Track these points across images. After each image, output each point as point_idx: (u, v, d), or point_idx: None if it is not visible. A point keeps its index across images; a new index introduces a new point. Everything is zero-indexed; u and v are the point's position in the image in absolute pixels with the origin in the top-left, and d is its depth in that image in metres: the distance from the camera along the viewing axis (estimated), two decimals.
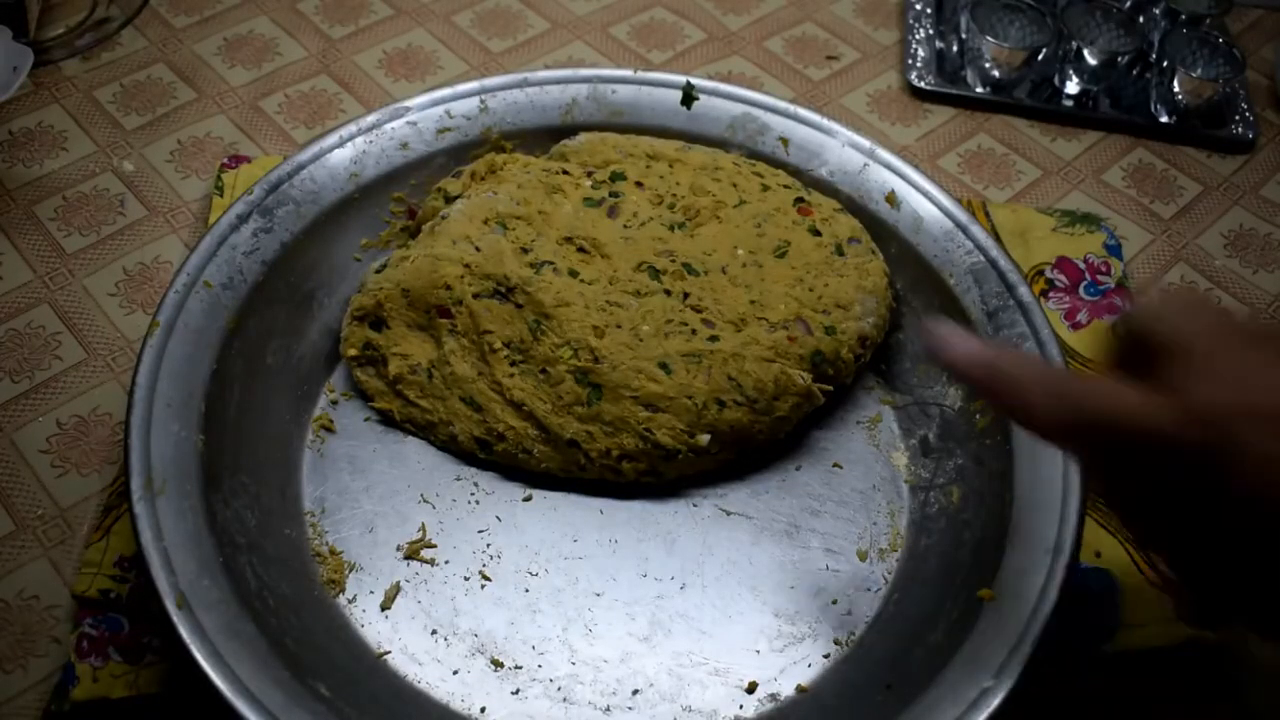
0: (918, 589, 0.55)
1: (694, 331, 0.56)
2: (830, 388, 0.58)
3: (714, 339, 0.56)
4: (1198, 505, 0.36)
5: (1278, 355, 0.35)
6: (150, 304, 0.67)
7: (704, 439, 0.56)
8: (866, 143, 0.66)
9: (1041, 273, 0.69)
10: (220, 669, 0.45)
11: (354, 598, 0.54)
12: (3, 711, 0.51)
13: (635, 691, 0.52)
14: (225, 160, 0.73)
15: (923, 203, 0.64)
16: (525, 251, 0.59)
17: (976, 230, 0.62)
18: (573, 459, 0.57)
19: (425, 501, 0.58)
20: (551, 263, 0.58)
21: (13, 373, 0.63)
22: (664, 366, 0.55)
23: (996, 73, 0.83)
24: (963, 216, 0.62)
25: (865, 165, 0.66)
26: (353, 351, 0.60)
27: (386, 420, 0.61)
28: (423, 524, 0.57)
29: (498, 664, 0.52)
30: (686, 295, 0.58)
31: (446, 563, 0.56)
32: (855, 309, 0.59)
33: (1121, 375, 0.38)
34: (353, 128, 0.65)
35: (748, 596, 0.55)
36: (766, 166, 0.65)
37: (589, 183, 0.63)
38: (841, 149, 0.66)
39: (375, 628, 0.53)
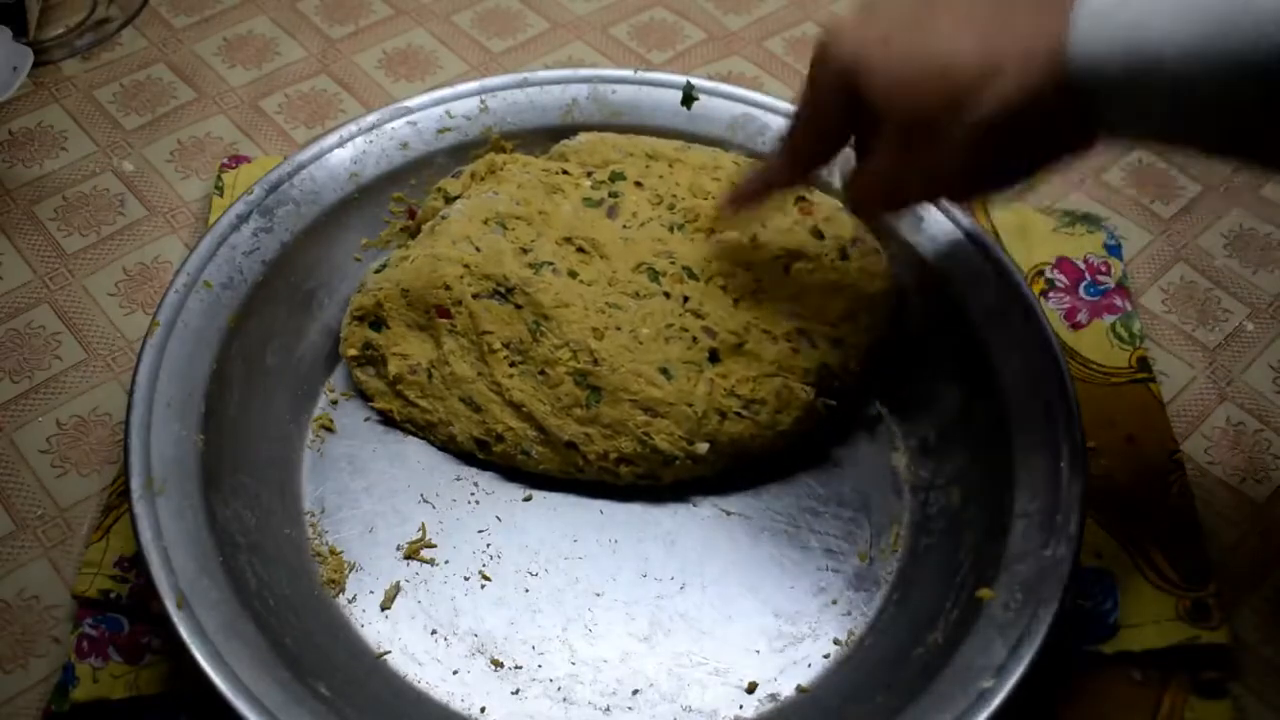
0: (918, 589, 0.55)
1: (695, 339, 0.56)
2: (834, 402, 0.58)
3: (715, 350, 0.56)
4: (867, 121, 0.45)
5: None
6: (150, 304, 0.67)
7: (703, 448, 0.55)
8: None
9: (1041, 273, 0.69)
10: (220, 669, 0.45)
11: (354, 598, 0.54)
12: (3, 711, 0.51)
13: (635, 691, 0.52)
14: (225, 160, 0.73)
15: None
16: (525, 252, 0.59)
17: (977, 230, 0.62)
18: (571, 461, 0.57)
19: (425, 501, 0.58)
20: (551, 263, 0.58)
21: (13, 373, 0.63)
22: (665, 372, 0.55)
23: None
24: (963, 216, 0.62)
25: None
26: (352, 351, 0.60)
27: (386, 420, 0.61)
28: (423, 524, 0.57)
29: (498, 664, 0.52)
30: (686, 299, 0.57)
31: (446, 563, 0.56)
32: (862, 319, 0.59)
33: None
34: (353, 128, 0.65)
35: (748, 596, 0.55)
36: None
37: (588, 182, 0.63)
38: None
39: (375, 628, 0.53)
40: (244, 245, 0.59)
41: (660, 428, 0.55)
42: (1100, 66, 0.37)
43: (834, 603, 0.55)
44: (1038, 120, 0.40)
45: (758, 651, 0.53)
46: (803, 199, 0.63)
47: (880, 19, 0.43)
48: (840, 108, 0.45)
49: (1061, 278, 0.69)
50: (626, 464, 0.56)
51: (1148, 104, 0.37)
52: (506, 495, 0.58)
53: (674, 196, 0.62)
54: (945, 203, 0.62)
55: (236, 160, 0.73)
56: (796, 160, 0.52)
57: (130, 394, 0.52)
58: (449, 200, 0.63)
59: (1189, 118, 0.37)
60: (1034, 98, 0.39)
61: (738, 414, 0.55)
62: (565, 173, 0.63)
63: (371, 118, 0.65)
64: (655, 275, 0.58)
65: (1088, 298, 0.68)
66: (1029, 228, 0.71)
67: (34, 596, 0.55)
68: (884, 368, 0.62)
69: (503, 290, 0.57)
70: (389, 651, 0.53)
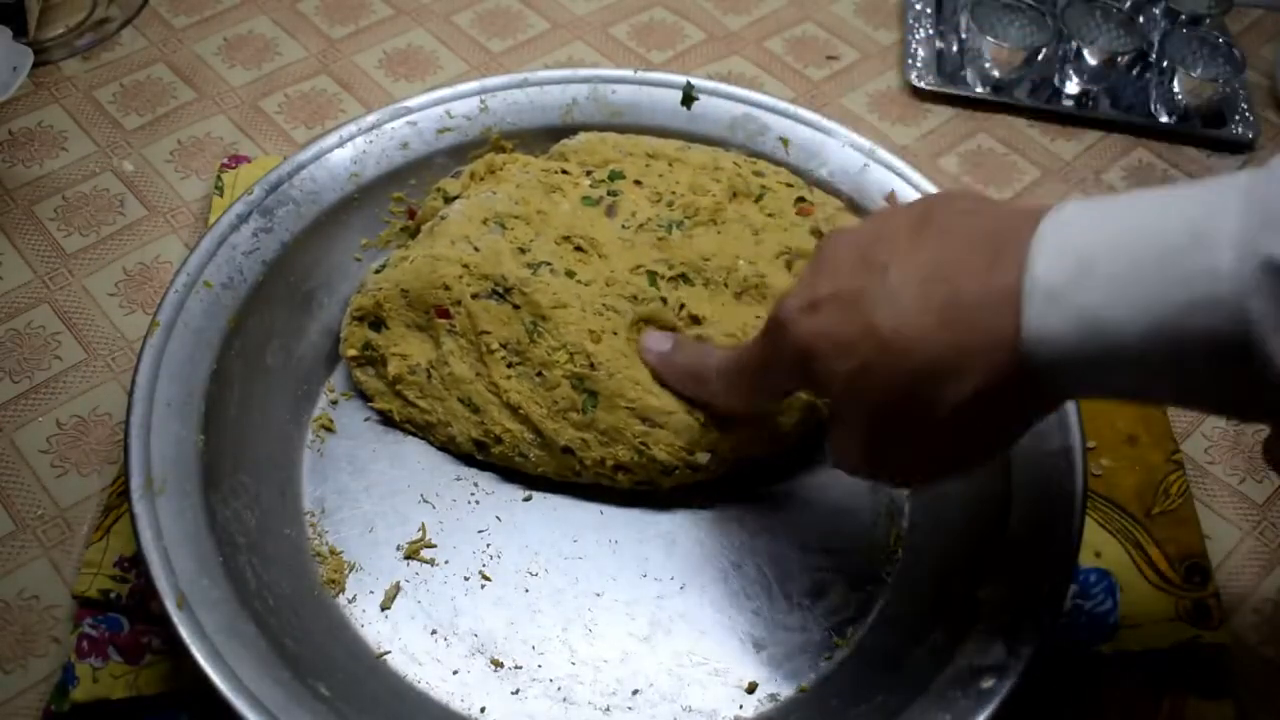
0: (918, 589, 0.55)
1: None
2: None
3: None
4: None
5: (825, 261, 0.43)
6: (150, 304, 0.67)
7: (703, 458, 0.55)
8: (866, 143, 0.66)
9: None
10: (220, 669, 0.45)
11: (354, 598, 0.54)
12: (3, 711, 0.51)
13: (635, 691, 0.52)
14: (225, 160, 0.73)
15: None
16: (523, 252, 0.58)
17: None
18: (568, 465, 0.57)
19: (425, 501, 0.58)
20: (549, 263, 0.58)
21: (13, 373, 0.63)
22: (663, 381, 0.55)
23: (996, 73, 0.83)
24: None
25: (865, 165, 0.66)
26: (352, 352, 0.60)
27: (386, 420, 0.61)
28: (423, 524, 0.57)
29: (498, 664, 0.52)
30: (683, 305, 0.57)
31: (446, 563, 0.56)
32: None
33: None
34: (353, 128, 0.65)
35: (748, 596, 0.55)
36: (768, 164, 0.65)
37: (587, 182, 0.63)
38: (841, 149, 0.66)
39: (375, 628, 0.53)
40: (244, 245, 0.59)
41: (659, 438, 0.55)
42: (1059, 352, 0.36)
43: (834, 603, 0.55)
44: (1003, 403, 0.38)
45: (758, 651, 0.53)
46: (802, 199, 0.63)
47: (826, 298, 0.41)
48: (795, 379, 0.45)
49: None
50: (624, 472, 0.56)
51: (1105, 378, 0.37)
52: (506, 495, 0.58)
53: (673, 194, 0.62)
54: None
55: (236, 160, 0.73)
56: (743, 401, 0.52)
57: (130, 394, 0.52)
58: (448, 200, 0.63)
59: (1145, 385, 0.37)
60: (999, 387, 0.37)
61: (737, 419, 0.55)
62: (565, 172, 0.63)
63: (371, 118, 0.65)
64: (653, 278, 0.58)
65: None
66: None
67: (34, 596, 0.55)
68: None
69: (500, 290, 0.57)
70: (389, 651, 0.53)
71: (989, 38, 0.82)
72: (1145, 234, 0.35)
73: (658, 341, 0.55)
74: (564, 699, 0.52)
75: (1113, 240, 0.35)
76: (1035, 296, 0.36)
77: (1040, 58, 0.82)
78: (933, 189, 0.64)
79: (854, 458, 0.45)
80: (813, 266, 0.43)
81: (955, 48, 0.87)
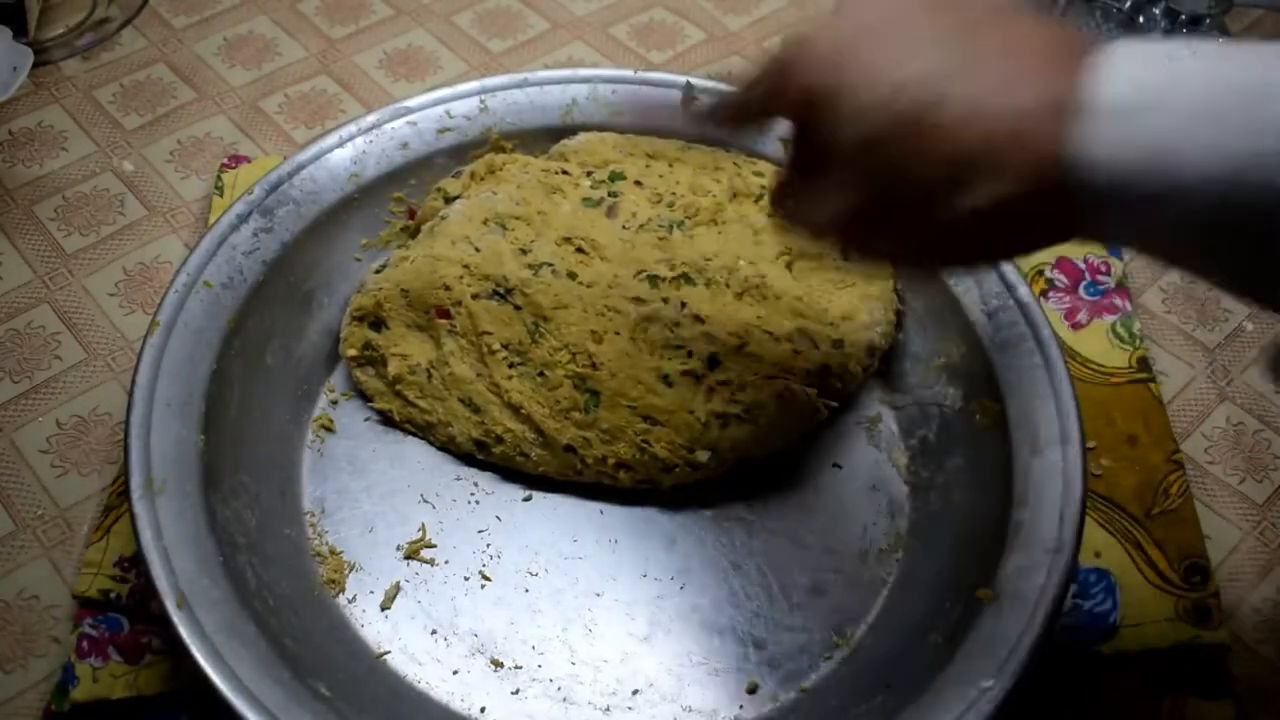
0: (918, 589, 0.55)
1: (690, 354, 0.56)
2: (835, 404, 0.58)
3: (715, 354, 0.56)
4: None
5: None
6: (150, 304, 0.67)
7: (703, 456, 0.55)
8: None
9: (1041, 272, 0.69)
10: (220, 669, 0.45)
11: (354, 598, 0.54)
12: (3, 711, 0.51)
13: (635, 691, 0.52)
14: (225, 160, 0.73)
15: None
16: (524, 252, 0.58)
17: None
18: (569, 464, 0.57)
19: (425, 501, 0.58)
20: (550, 264, 0.58)
21: (13, 373, 0.63)
22: (665, 379, 0.55)
23: None
24: None
25: None
26: (352, 352, 0.60)
27: (386, 420, 0.61)
28: (423, 524, 0.57)
29: (498, 664, 0.52)
30: (684, 304, 0.57)
31: (446, 563, 0.56)
32: (862, 318, 0.59)
33: None
34: (353, 128, 0.65)
35: (747, 596, 0.55)
36: (768, 164, 0.65)
37: (588, 182, 0.63)
38: None
39: (375, 628, 0.53)
40: (244, 245, 0.59)
41: (660, 436, 0.55)
42: (1117, 177, 0.33)
43: (834, 603, 0.55)
44: (1029, 219, 0.36)
45: (758, 651, 0.53)
46: None
47: (855, 43, 0.37)
48: (771, 114, 0.41)
49: (1061, 278, 0.69)
50: (625, 469, 0.56)
51: (1156, 215, 0.33)
52: (506, 495, 0.58)
53: (674, 195, 0.62)
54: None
55: (236, 160, 0.73)
56: (718, 121, 0.45)
57: (130, 394, 0.52)
58: (448, 200, 0.63)
59: (1194, 235, 0.34)
60: (1034, 202, 0.35)
61: (738, 418, 0.55)
62: (565, 173, 0.63)
63: (371, 118, 0.65)
64: (655, 281, 0.58)
65: (1088, 298, 0.68)
66: None
67: (34, 596, 0.55)
68: (883, 367, 0.62)
69: (502, 291, 0.57)
70: (389, 651, 0.53)
71: None
72: (1225, 76, 0.32)
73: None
74: (564, 699, 0.52)
75: (1186, 74, 0.32)
76: (1101, 115, 0.33)
77: None
78: None
79: (826, 214, 0.40)
80: (838, 13, 0.39)
81: None
